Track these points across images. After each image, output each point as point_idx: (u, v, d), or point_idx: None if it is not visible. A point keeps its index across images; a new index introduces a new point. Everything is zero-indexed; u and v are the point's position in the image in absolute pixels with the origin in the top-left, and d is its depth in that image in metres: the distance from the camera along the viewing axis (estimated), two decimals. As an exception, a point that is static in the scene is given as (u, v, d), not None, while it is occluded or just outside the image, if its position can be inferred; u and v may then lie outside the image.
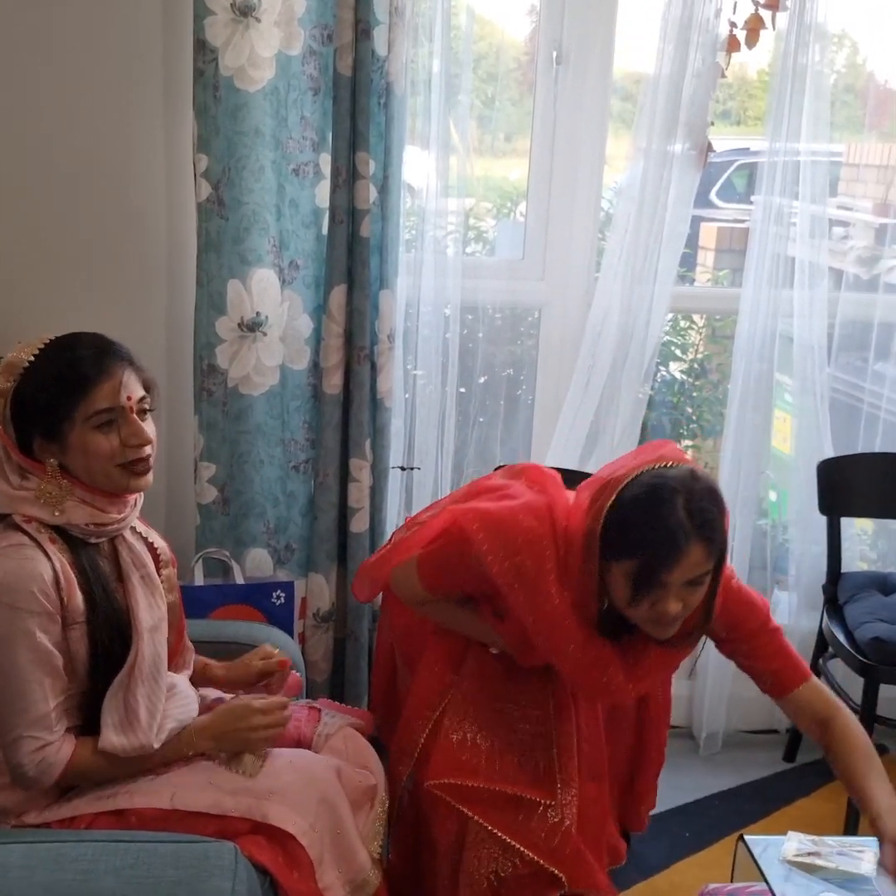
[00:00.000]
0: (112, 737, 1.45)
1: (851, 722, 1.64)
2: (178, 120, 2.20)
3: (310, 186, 2.21)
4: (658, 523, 1.45)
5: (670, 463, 1.51)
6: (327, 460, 2.29)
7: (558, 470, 2.30)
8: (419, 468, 2.46)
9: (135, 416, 1.48)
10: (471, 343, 2.56)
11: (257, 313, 2.20)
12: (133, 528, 1.58)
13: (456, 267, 2.36)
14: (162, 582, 1.58)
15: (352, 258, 2.19)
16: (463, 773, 1.62)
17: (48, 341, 1.48)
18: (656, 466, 1.51)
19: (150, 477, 1.52)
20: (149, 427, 1.50)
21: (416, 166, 2.31)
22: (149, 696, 1.48)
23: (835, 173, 2.69)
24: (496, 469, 2.14)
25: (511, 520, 1.61)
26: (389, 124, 2.14)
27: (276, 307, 2.22)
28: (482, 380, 2.64)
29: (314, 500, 2.34)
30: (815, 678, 1.70)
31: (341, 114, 2.11)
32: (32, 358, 1.45)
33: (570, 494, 1.70)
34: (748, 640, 1.68)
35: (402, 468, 2.45)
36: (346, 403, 2.29)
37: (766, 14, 2.27)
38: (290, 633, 2.29)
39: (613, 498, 1.50)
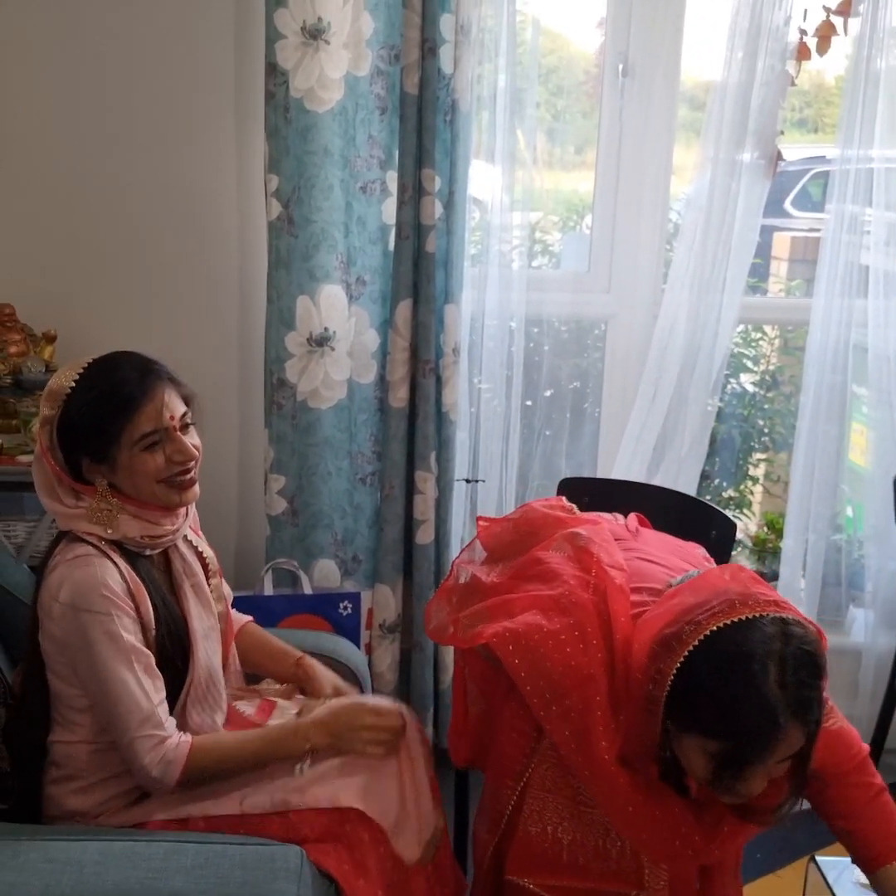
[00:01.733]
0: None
1: None
2: (249, 141, 2.27)
3: (376, 203, 2.25)
4: (747, 705, 1.21)
5: (752, 614, 1.25)
6: (393, 473, 2.32)
7: (624, 483, 2.31)
8: (484, 481, 2.47)
9: (178, 433, 1.49)
10: (536, 356, 2.57)
11: (325, 328, 2.24)
12: (184, 538, 1.61)
13: (521, 280, 2.37)
14: (211, 591, 1.61)
15: (417, 273, 2.22)
16: (544, 870, 1.46)
17: (87, 365, 1.49)
18: (733, 620, 1.24)
19: (196, 489, 1.54)
20: (192, 439, 1.52)
21: (483, 181, 2.34)
22: (204, 707, 1.52)
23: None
24: (559, 484, 2.13)
25: (557, 654, 1.36)
26: (455, 141, 2.16)
27: (343, 322, 2.26)
28: (548, 393, 2.64)
29: (380, 512, 2.37)
30: None
31: (407, 132, 2.15)
32: (74, 383, 1.47)
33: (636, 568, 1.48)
34: (831, 787, 1.39)
35: (467, 480, 2.46)
36: (412, 416, 2.31)
37: (837, 20, 2.24)
38: (357, 644, 2.31)
39: (681, 662, 1.25)
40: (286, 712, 1.66)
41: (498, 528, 1.67)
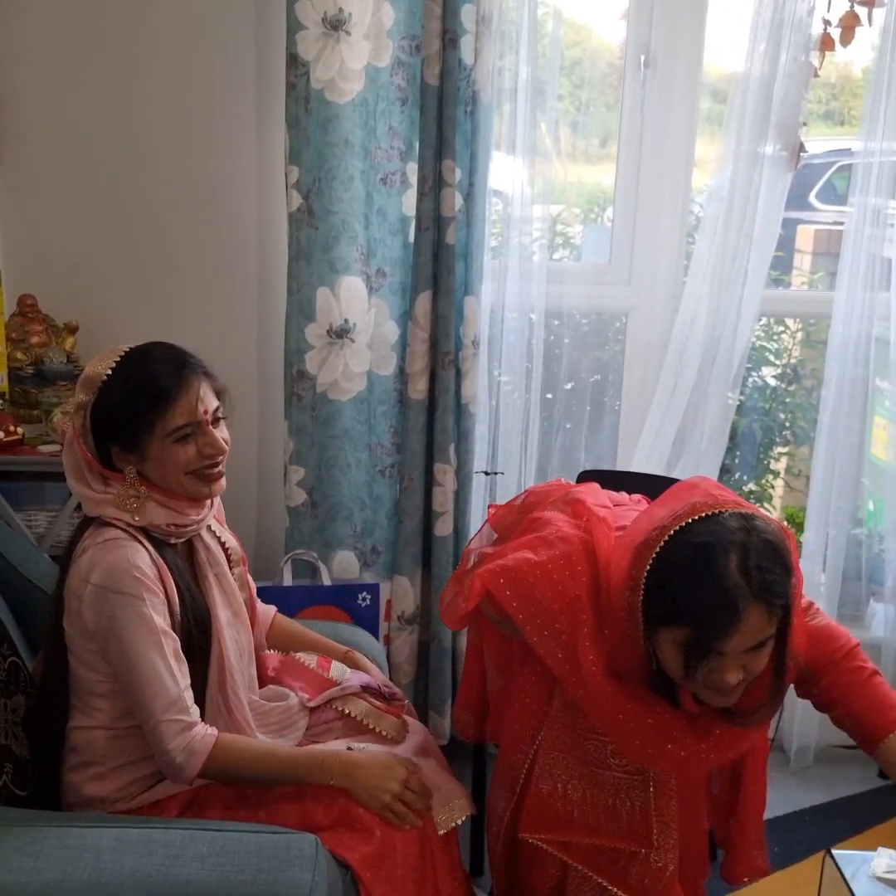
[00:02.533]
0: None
1: None
2: (270, 132, 2.27)
3: (397, 195, 2.25)
4: (708, 588, 1.28)
5: (712, 511, 1.33)
6: (412, 465, 2.32)
7: (643, 476, 2.31)
8: (503, 473, 2.47)
9: (210, 427, 1.51)
10: (557, 348, 2.56)
11: (345, 320, 2.24)
12: (208, 528, 1.63)
13: (541, 272, 2.36)
14: (234, 580, 1.63)
15: (437, 265, 2.22)
16: (556, 827, 1.52)
17: (123, 353, 1.51)
18: (696, 518, 1.32)
19: (223, 482, 1.56)
20: (223, 433, 1.54)
21: (505, 173, 2.33)
22: (227, 696, 1.53)
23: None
24: (578, 476, 2.15)
25: (546, 582, 1.45)
26: (475, 132, 2.16)
27: (363, 314, 2.27)
28: (568, 386, 2.63)
29: (399, 503, 2.37)
30: None
31: (428, 123, 2.14)
32: (110, 371, 1.48)
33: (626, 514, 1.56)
34: (824, 676, 1.44)
35: (486, 473, 2.46)
36: (432, 409, 2.31)
37: (862, 11, 2.21)
38: (376, 635, 2.32)
39: (650, 563, 1.34)
40: (343, 673, 1.71)
41: (503, 511, 1.74)
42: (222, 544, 1.65)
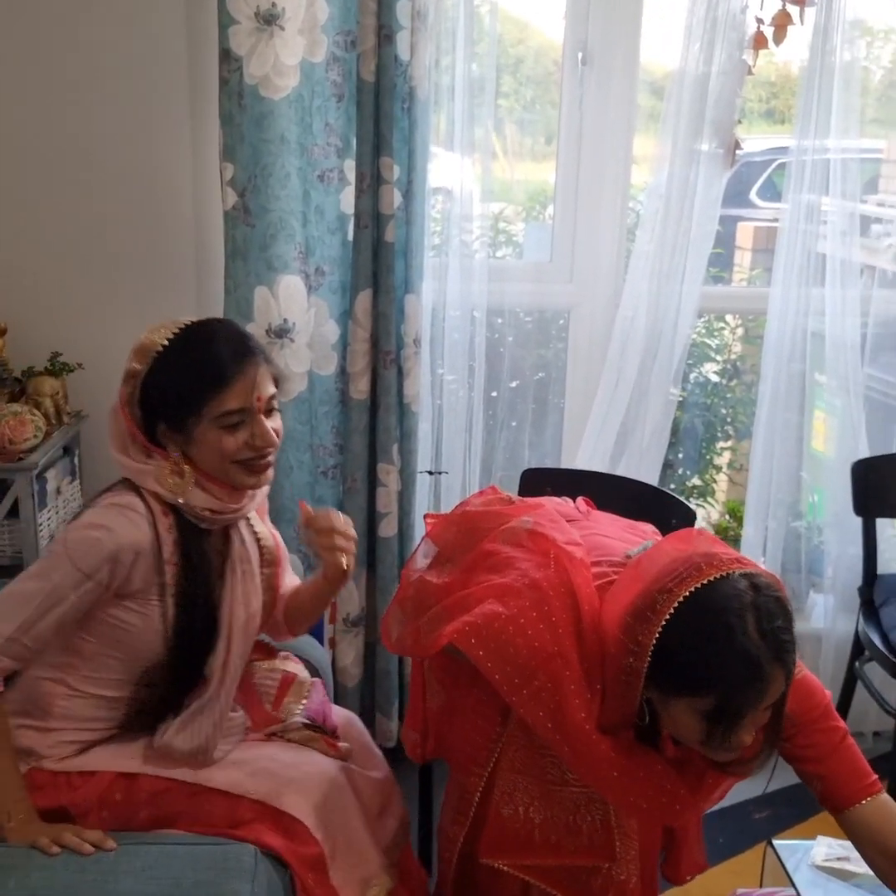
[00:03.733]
0: (172, 736, 1.47)
1: None
2: (204, 129, 2.23)
3: (335, 192, 2.22)
4: (732, 657, 1.23)
5: (720, 573, 1.27)
6: (355, 465, 2.30)
7: (586, 473, 2.31)
8: (447, 473, 2.46)
9: (261, 416, 1.44)
10: (500, 347, 2.56)
11: (285, 320, 2.21)
12: (247, 521, 1.56)
13: (483, 270, 2.36)
14: (261, 581, 1.57)
15: (377, 263, 2.20)
16: (517, 851, 1.47)
17: (184, 326, 1.45)
18: (704, 583, 1.26)
19: (270, 473, 1.50)
20: (275, 423, 1.48)
21: (448, 171, 2.31)
22: (223, 709, 1.50)
23: (874, 170, 2.66)
24: (522, 475, 2.13)
25: (520, 637, 1.36)
26: (413, 129, 2.14)
27: (303, 313, 2.24)
28: (513, 384, 2.63)
29: (343, 505, 2.35)
30: (885, 795, 1.39)
31: (365, 119, 2.12)
32: (166, 342, 1.42)
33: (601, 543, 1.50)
34: (800, 733, 1.40)
35: (430, 473, 2.45)
36: (374, 408, 2.30)
37: (793, 10, 2.24)
38: (320, 639, 2.29)
39: (660, 631, 1.27)
40: (293, 711, 1.65)
41: (442, 527, 1.66)
42: (257, 539, 1.59)
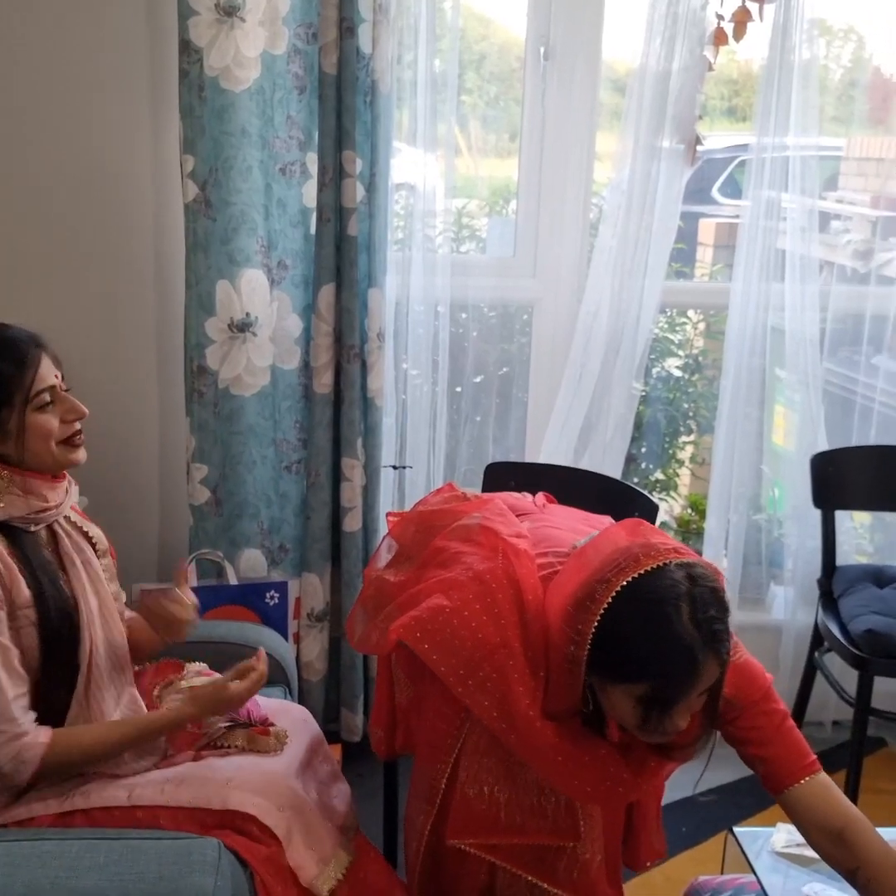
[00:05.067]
0: None
1: (871, 834, 1.35)
2: (164, 121, 2.21)
3: (297, 186, 2.21)
4: (666, 644, 1.27)
5: (657, 563, 1.30)
6: (319, 460, 2.29)
7: (550, 467, 2.32)
8: (411, 467, 2.46)
9: (66, 393, 1.50)
10: (464, 341, 2.56)
11: (247, 314, 2.20)
12: (68, 519, 1.58)
13: (446, 264, 2.36)
14: (103, 571, 1.58)
15: (340, 257, 2.20)
16: (483, 831, 1.49)
17: None
18: (641, 572, 1.30)
19: (84, 449, 1.54)
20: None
21: (412, 166, 2.31)
22: (109, 685, 1.49)
23: (834, 167, 2.69)
24: (486, 469, 2.13)
25: (464, 629, 1.39)
26: (375, 122, 2.14)
27: (265, 307, 2.23)
28: (477, 378, 2.64)
29: (307, 500, 2.34)
30: (824, 775, 1.42)
31: (327, 112, 2.12)
32: None
33: (542, 531, 1.54)
34: (742, 716, 1.43)
35: (395, 467, 2.45)
36: (337, 403, 2.29)
37: (753, 7, 2.26)
38: (284, 634, 2.29)
39: (598, 619, 1.30)
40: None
41: (402, 526, 1.69)
42: (85, 533, 1.60)
